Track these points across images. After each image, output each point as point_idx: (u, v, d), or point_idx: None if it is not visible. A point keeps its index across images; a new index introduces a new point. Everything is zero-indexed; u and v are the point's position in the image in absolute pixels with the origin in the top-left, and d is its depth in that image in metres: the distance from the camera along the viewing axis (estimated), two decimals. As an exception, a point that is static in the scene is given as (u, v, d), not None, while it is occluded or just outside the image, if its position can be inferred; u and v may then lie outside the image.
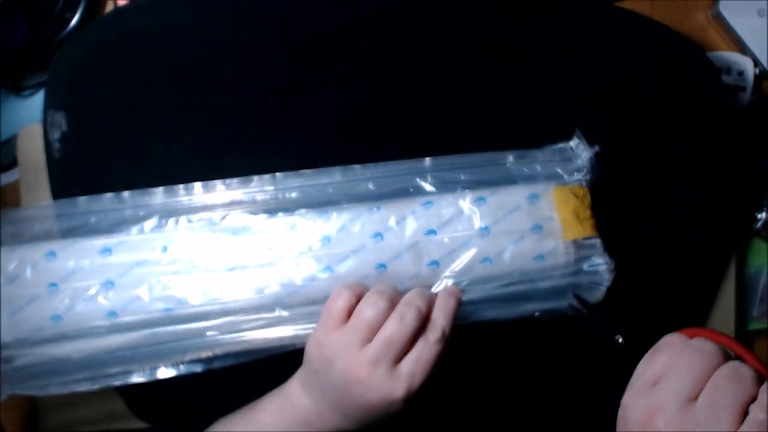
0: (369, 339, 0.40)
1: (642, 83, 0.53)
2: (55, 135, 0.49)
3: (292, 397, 0.43)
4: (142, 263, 0.43)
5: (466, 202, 0.45)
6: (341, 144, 0.51)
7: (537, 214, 0.45)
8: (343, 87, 0.51)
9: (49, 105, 0.49)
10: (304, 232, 0.44)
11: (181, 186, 0.46)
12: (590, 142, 0.48)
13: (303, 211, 0.45)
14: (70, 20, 0.59)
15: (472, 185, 0.46)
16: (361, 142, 0.51)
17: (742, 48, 0.63)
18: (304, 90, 0.51)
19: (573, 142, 0.47)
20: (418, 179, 0.46)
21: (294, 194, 0.46)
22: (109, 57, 0.50)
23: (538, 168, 0.47)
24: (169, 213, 0.45)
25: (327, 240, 0.44)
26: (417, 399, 0.40)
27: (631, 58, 0.53)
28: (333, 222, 0.44)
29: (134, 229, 0.44)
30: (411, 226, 0.44)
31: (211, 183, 0.46)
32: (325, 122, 0.51)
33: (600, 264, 0.46)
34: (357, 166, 0.46)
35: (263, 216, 0.45)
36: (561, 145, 0.48)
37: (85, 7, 0.59)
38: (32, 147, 0.54)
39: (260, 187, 0.46)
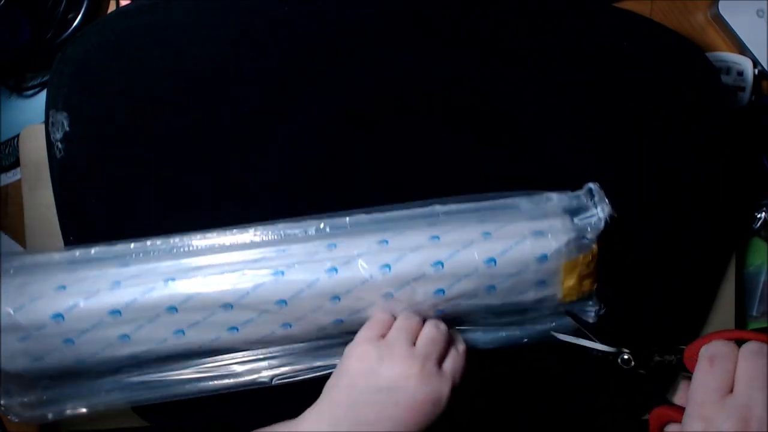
0: (413, 342, 0.42)
1: (641, 84, 0.53)
2: (57, 135, 0.50)
3: None
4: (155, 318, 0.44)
5: (476, 261, 0.44)
6: (344, 143, 0.51)
7: (543, 271, 0.45)
8: (344, 88, 0.51)
9: (51, 105, 0.50)
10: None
11: (181, 240, 0.46)
12: (590, 141, 0.48)
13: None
14: (73, 21, 0.59)
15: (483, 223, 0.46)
16: (364, 142, 0.51)
17: (742, 48, 0.64)
18: (308, 89, 0.51)
19: (595, 193, 0.46)
20: (428, 227, 0.46)
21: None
22: (111, 57, 0.50)
23: (552, 223, 0.46)
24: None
25: (334, 271, 0.44)
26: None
27: (630, 59, 0.53)
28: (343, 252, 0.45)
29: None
30: (421, 291, 0.44)
31: (210, 235, 0.46)
32: (328, 121, 0.51)
33: (589, 311, 0.48)
34: (363, 215, 0.46)
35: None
36: (578, 193, 0.47)
37: (87, 8, 0.59)
38: (34, 147, 0.55)
39: (261, 236, 0.46)
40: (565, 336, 0.47)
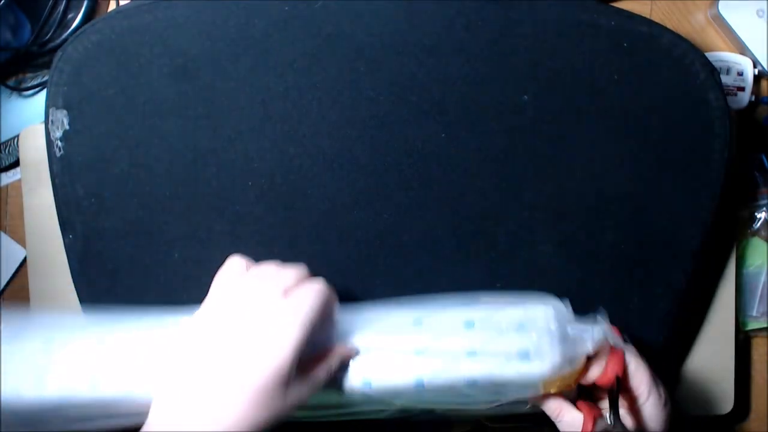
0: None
1: (641, 84, 0.53)
2: (57, 134, 0.50)
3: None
4: None
5: (457, 380, 0.42)
6: (344, 145, 0.51)
7: (524, 383, 0.43)
8: (346, 88, 0.51)
9: (51, 103, 0.50)
10: None
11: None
12: (588, 138, 0.47)
13: None
14: (73, 21, 0.59)
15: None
16: (365, 142, 0.51)
17: (742, 48, 0.64)
18: (307, 92, 0.51)
19: (597, 324, 0.44)
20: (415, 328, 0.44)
21: None
22: (111, 55, 0.50)
23: (540, 343, 0.43)
24: None
25: None
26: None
27: (629, 59, 0.53)
28: None
29: None
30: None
31: None
32: (328, 122, 0.51)
33: None
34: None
35: None
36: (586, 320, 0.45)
37: (87, 8, 0.59)
38: (34, 146, 0.55)
39: None
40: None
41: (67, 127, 0.49)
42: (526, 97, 0.52)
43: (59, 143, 0.49)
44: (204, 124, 0.50)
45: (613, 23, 0.53)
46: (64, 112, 0.49)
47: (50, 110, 0.49)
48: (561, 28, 0.52)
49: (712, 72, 0.53)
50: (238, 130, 0.50)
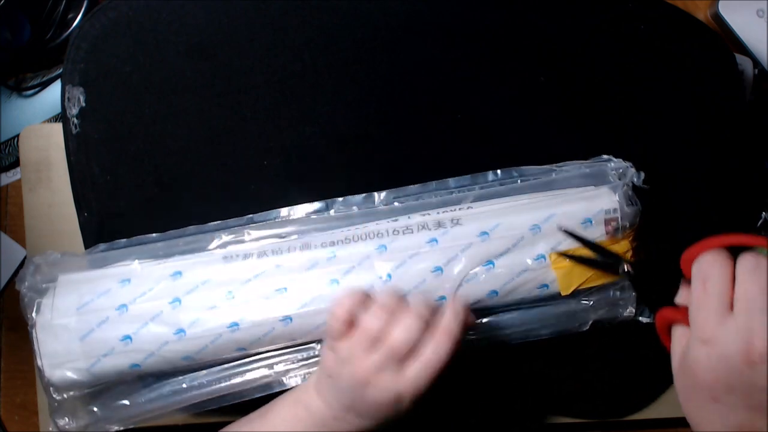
0: (374, 346, 0.41)
1: (657, 66, 0.54)
2: (73, 111, 0.50)
3: (307, 402, 0.44)
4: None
5: (477, 270, 0.45)
6: (360, 125, 0.51)
7: (543, 273, 0.46)
8: (362, 69, 0.51)
9: (67, 80, 0.50)
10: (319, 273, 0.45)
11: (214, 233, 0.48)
12: (604, 123, 0.48)
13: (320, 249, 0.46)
14: (73, 21, 0.59)
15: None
16: (377, 125, 0.52)
17: (742, 48, 0.64)
18: (323, 71, 0.51)
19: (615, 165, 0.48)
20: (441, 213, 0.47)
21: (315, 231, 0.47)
22: (128, 33, 0.50)
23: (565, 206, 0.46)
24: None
25: (336, 282, 0.45)
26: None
27: (646, 42, 0.54)
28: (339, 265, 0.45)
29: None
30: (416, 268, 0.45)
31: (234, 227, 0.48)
32: (346, 104, 0.51)
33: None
34: (380, 206, 0.48)
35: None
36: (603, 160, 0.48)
37: (87, 8, 0.59)
38: (34, 146, 0.55)
39: (285, 228, 0.47)
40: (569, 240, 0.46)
41: (84, 104, 0.49)
42: (542, 78, 0.52)
43: (75, 120, 0.50)
44: (220, 102, 0.50)
45: (630, 6, 0.53)
46: (81, 89, 0.49)
47: (66, 87, 0.49)
48: (576, 10, 0.53)
49: (728, 55, 0.55)
50: (254, 109, 0.51)
